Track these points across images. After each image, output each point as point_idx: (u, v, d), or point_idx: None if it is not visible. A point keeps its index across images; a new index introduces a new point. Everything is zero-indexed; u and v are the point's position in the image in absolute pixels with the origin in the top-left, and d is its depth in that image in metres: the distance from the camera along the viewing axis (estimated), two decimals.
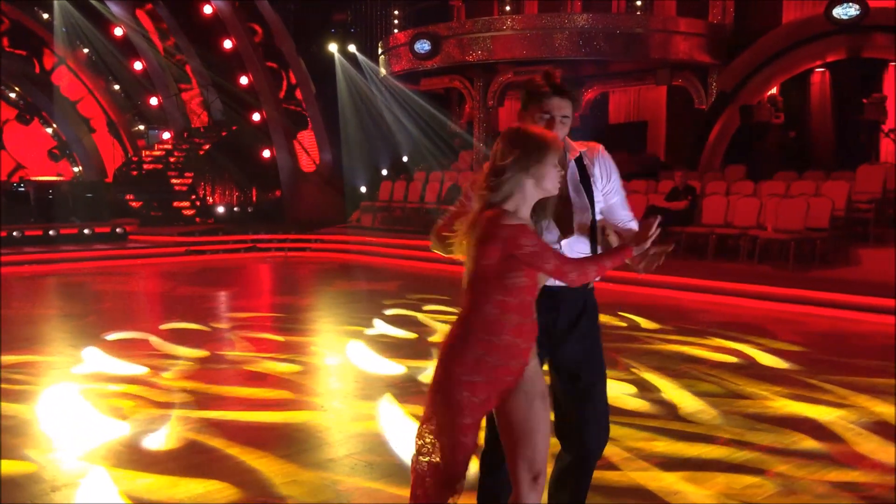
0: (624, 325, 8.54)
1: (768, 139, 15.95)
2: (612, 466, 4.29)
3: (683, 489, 4.05)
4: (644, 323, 8.62)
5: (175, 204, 19.82)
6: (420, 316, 8.88)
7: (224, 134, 20.52)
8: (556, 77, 2.91)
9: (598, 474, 4.10)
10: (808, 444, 4.73)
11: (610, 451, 4.49)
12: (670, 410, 5.40)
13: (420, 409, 2.91)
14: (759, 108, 15.69)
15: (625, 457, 4.47)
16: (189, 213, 19.74)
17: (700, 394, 5.76)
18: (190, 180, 20.49)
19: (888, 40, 14.20)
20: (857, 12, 13.62)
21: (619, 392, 5.77)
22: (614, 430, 4.65)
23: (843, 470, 4.31)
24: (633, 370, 6.41)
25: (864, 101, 14.78)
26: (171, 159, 20.54)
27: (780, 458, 4.48)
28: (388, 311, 9.16)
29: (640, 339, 7.73)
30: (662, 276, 10.68)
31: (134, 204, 19.52)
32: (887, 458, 4.51)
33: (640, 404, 5.52)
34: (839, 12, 13.83)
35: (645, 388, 5.91)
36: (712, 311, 9.35)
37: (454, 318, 2.74)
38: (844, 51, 14.98)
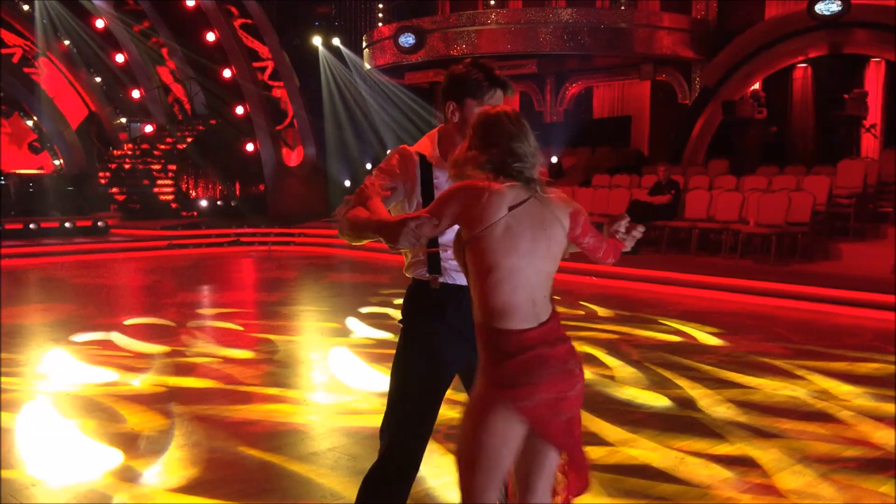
0: (581, 313, 8.65)
1: (750, 134, 16.06)
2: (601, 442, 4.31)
3: (686, 468, 4.08)
4: (601, 311, 8.74)
5: (157, 197, 19.71)
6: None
7: (207, 127, 20.41)
8: (494, 69, 2.72)
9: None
10: (793, 430, 4.77)
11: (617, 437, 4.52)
12: (656, 401, 5.43)
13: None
14: (742, 103, 15.78)
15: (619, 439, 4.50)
16: (171, 206, 19.63)
17: (686, 384, 5.79)
18: (172, 174, 20.37)
19: (869, 36, 14.32)
20: (839, 8, 13.71)
21: (595, 382, 5.81)
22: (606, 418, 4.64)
23: (829, 453, 4.35)
24: (605, 359, 6.45)
25: (846, 96, 14.90)
26: (156, 153, 20.41)
27: (766, 445, 4.52)
28: (371, 306, 9.15)
29: (610, 331, 7.78)
30: (645, 270, 10.75)
31: (116, 198, 19.40)
32: (875, 441, 4.57)
33: (623, 395, 5.55)
34: (821, 8, 13.92)
35: (623, 381, 5.94)
36: (694, 305, 9.40)
37: None
38: (826, 47, 15.08)
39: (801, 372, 6.23)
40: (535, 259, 2.35)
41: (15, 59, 20.46)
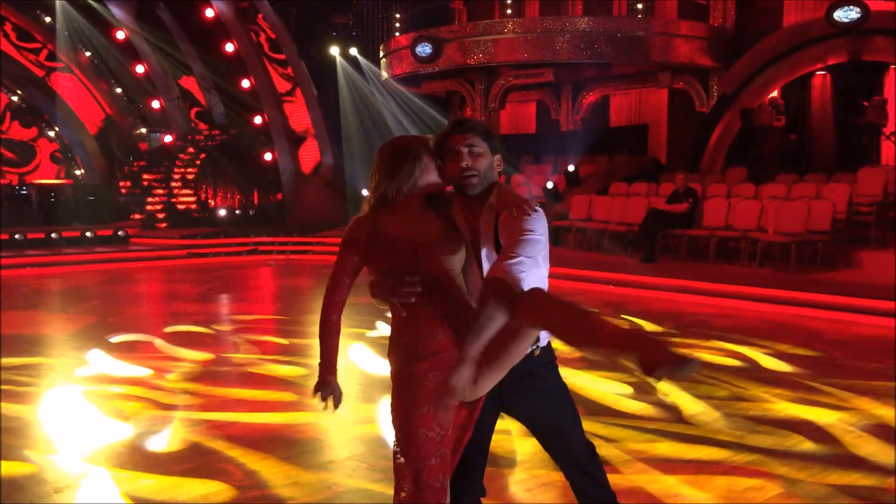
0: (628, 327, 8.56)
1: (769, 142, 15.96)
2: (612, 469, 4.30)
3: (683, 492, 4.06)
4: (647, 326, 8.64)
5: (177, 207, 19.86)
6: None
7: (226, 136, 20.56)
8: (458, 117, 2.87)
9: None
10: (808, 446, 4.74)
11: (609, 453, 4.51)
12: (670, 413, 5.41)
13: None
14: (760, 110, 15.70)
15: (625, 459, 4.48)
16: (191, 215, 19.76)
17: (700, 396, 5.76)
18: (192, 183, 20.52)
19: (889, 43, 14.21)
20: (858, 15, 13.63)
21: (617, 393, 5.79)
22: (614, 432, 4.66)
23: (843, 472, 4.32)
24: (635, 372, 6.42)
25: (865, 103, 14.79)
26: (176, 162, 20.58)
27: (780, 460, 4.49)
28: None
29: None
30: (663, 279, 10.71)
31: (136, 207, 19.57)
32: (887, 461, 4.52)
33: (640, 406, 5.53)
34: (840, 15, 13.84)
35: (643, 391, 5.91)
36: (713, 314, 9.35)
37: None
38: (845, 54, 14.98)
39: (817, 383, 6.18)
40: None
41: (43, 55, 20.71)
